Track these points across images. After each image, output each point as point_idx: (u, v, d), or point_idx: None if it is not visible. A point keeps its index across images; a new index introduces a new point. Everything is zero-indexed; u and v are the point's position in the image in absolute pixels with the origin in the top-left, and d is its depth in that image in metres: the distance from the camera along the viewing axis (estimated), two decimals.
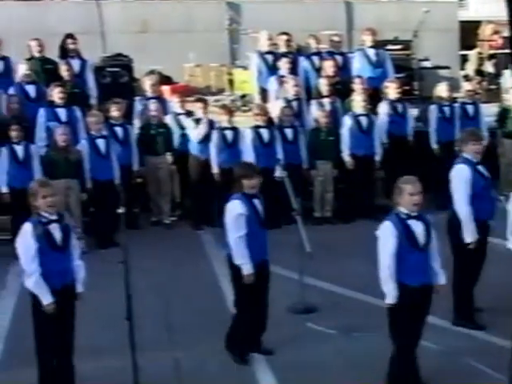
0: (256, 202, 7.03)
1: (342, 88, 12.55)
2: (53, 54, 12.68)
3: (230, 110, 11.80)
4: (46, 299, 6.22)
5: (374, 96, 12.36)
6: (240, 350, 7.18)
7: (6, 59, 12.26)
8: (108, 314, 7.52)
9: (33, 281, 6.22)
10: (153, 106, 11.75)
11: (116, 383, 6.66)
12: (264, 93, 12.84)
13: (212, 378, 6.93)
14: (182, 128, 11.73)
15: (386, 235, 6.23)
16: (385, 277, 6.23)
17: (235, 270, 7.00)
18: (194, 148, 11.46)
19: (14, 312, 8.37)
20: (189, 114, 11.89)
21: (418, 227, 6.27)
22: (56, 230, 6.30)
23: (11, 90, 11.79)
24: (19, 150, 10.55)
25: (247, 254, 6.90)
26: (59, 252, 6.31)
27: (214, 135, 11.36)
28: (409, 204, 6.21)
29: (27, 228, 6.23)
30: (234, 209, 6.94)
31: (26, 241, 6.23)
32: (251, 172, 7.06)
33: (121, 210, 6.32)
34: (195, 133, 11.41)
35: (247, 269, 6.91)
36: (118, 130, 11.33)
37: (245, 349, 7.20)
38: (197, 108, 11.73)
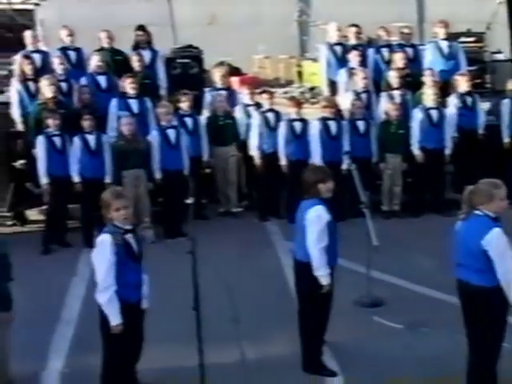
0: (330, 206, 6.75)
1: (412, 80, 12.39)
2: (124, 46, 12.81)
3: (298, 102, 11.79)
4: (115, 319, 5.99)
5: (445, 89, 12.20)
6: (320, 364, 6.95)
7: (78, 50, 12.44)
8: (175, 303, 7.56)
9: (106, 297, 5.97)
10: (221, 96, 11.82)
11: (182, 373, 6.70)
12: (333, 85, 12.76)
13: (278, 370, 6.93)
14: None
15: (503, 241, 5.89)
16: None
17: (311, 280, 6.71)
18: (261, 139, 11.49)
19: (85, 299, 8.48)
20: (258, 105, 11.94)
21: None
22: (132, 240, 6.11)
23: (83, 81, 11.96)
24: (91, 139, 10.64)
25: (327, 263, 6.70)
26: (136, 262, 6.13)
27: (282, 127, 11.37)
28: (499, 208, 6.00)
29: (105, 238, 5.97)
30: (321, 217, 6.61)
31: (103, 252, 5.96)
32: (325, 175, 6.77)
33: (189, 201, 6.36)
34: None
35: (327, 280, 6.68)
36: (188, 121, 11.42)
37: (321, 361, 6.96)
38: (263, 99, 11.80)
